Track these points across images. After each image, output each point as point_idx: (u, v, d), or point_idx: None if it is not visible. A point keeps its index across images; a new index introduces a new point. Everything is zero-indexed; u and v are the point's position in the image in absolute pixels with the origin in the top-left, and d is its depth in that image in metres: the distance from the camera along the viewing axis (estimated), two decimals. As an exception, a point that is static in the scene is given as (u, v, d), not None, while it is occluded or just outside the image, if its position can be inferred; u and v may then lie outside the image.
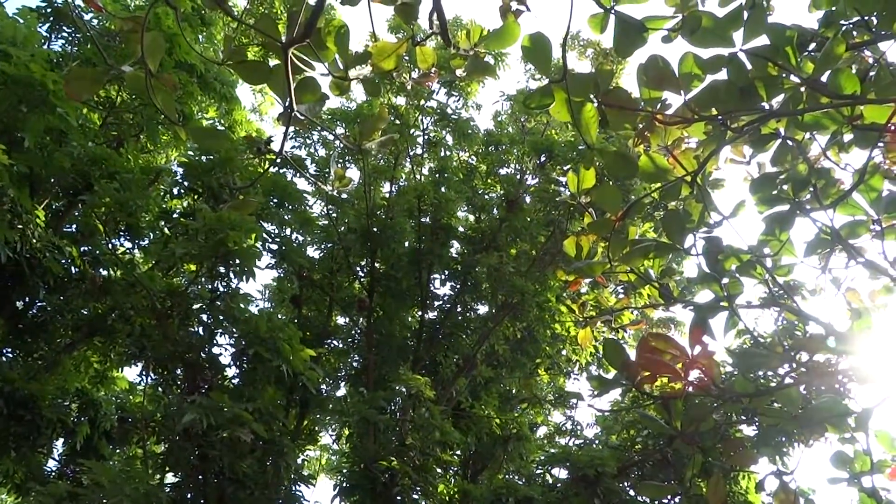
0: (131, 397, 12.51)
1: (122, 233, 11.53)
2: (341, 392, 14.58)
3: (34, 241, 9.41)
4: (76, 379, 11.63)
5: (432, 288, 14.97)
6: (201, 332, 10.30)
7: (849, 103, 2.40)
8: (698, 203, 3.09)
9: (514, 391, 14.72)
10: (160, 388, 11.04)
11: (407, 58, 2.88)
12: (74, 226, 11.74)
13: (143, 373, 10.63)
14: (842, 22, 3.44)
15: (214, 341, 10.36)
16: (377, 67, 2.49)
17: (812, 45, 3.38)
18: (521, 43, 2.22)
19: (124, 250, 11.80)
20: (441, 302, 15.19)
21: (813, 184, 2.90)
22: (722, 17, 2.38)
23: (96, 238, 11.40)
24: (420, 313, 14.78)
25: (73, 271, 10.90)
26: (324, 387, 13.61)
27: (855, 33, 3.55)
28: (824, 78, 2.52)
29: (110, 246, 11.44)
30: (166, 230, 11.00)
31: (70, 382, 11.24)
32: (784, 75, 2.51)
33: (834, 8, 3.30)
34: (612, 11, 2.05)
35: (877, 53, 3.58)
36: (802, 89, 2.48)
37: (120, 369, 12.54)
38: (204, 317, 10.27)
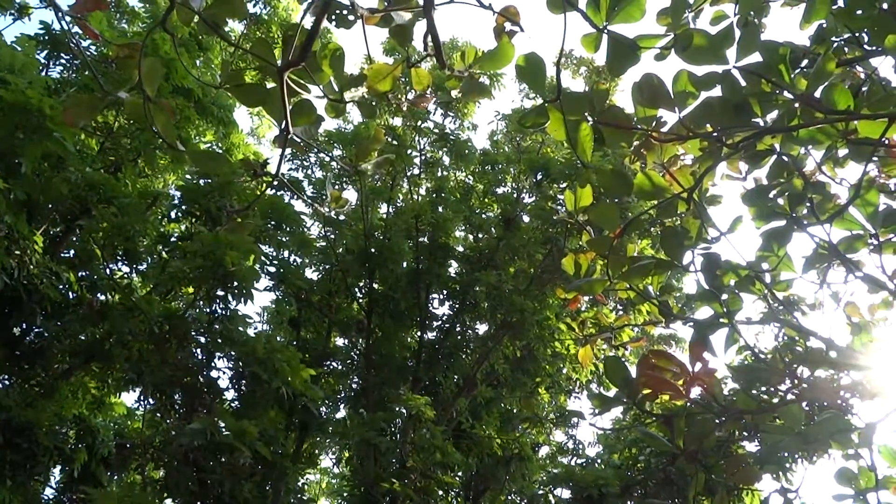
0: (129, 423, 12.41)
1: (120, 257, 11.51)
2: (341, 414, 14.49)
3: (32, 266, 9.38)
4: (73, 405, 11.53)
5: (431, 308, 14.94)
6: (199, 355, 10.26)
7: (842, 119, 2.42)
8: (696, 219, 3.09)
9: (515, 410, 14.63)
10: (158, 413, 10.96)
11: (403, 79, 2.89)
12: (72, 251, 11.72)
13: (142, 398, 10.56)
14: (833, 38, 3.47)
15: (213, 364, 10.31)
16: (373, 89, 2.50)
17: (805, 62, 3.41)
18: (516, 63, 2.23)
19: (122, 275, 11.78)
20: (440, 322, 15.15)
21: (809, 199, 2.90)
22: (714, 34, 2.40)
23: (94, 263, 11.38)
24: (419, 333, 14.73)
25: (71, 297, 10.86)
26: (323, 409, 13.51)
27: (846, 49, 3.59)
28: (818, 93, 2.54)
29: (108, 271, 11.42)
30: (164, 254, 10.99)
31: (67, 409, 11.14)
32: (778, 91, 2.53)
33: (825, 24, 3.34)
34: (605, 31, 2.07)
35: (868, 69, 3.61)
36: (796, 105, 2.50)
37: (118, 395, 12.45)
38: (202, 340, 10.23)
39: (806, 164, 3.79)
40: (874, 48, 3.26)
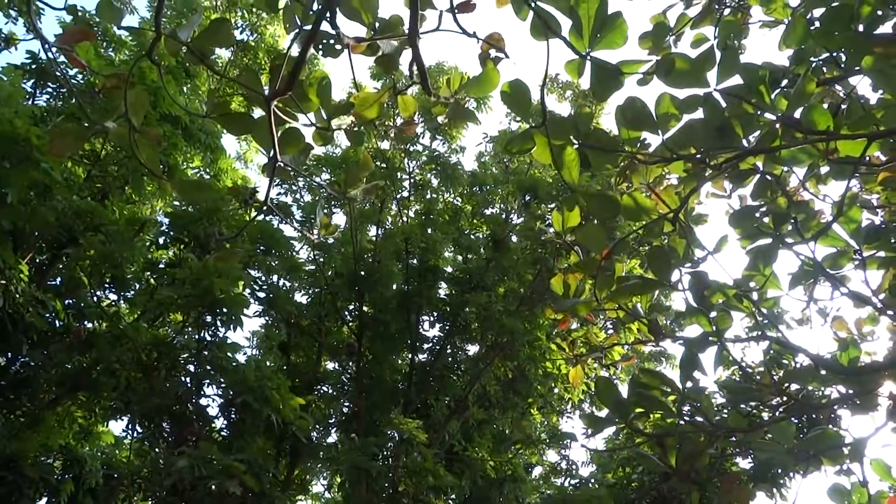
0: (117, 452, 12.23)
1: (107, 285, 11.42)
2: (332, 439, 14.36)
3: (17, 296, 9.29)
4: (60, 435, 11.35)
5: (421, 330, 14.90)
6: (188, 383, 10.16)
7: (823, 139, 2.46)
8: (682, 239, 3.12)
9: (507, 431, 14.54)
10: (147, 443, 10.81)
11: (390, 102, 2.92)
12: (59, 279, 11.62)
13: (129, 427, 10.43)
14: (812, 58, 3.54)
15: (202, 392, 10.21)
16: (360, 117, 2.52)
17: (785, 82, 3.47)
18: (501, 90, 2.26)
19: (109, 302, 11.67)
20: (430, 344, 15.10)
21: (793, 217, 2.94)
22: (695, 58, 2.45)
23: (81, 291, 11.28)
24: (410, 356, 14.67)
25: (58, 325, 10.74)
26: (314, 434, 13.38)
27: (825, 69, 3.66)
28: (798, 114, 2.59)
29: (95, 298, 11.31)
30: (152, 281, 10.92)
31: (53, 439, 10.97)
32: (759, 112, 2.57)
33: (804, 45, 3.41)
34: (588, 57, 2.10)
35: (847, 88, 3.68)
36: (777, 126, 2.54)
37: (105, 424, 12.28)
38: (191, 367, 10.14)
39: (789, 181, 3.84)
40: (853, 68, 3.33)
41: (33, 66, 11.43)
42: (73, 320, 10.98)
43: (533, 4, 2.13)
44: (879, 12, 2.81)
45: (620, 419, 2.65)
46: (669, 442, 2.89)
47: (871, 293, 3.41)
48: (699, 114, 2.48)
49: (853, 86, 3.59)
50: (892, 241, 3.41)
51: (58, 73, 10.38)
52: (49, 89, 11.83)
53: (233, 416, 9.91)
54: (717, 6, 4.20)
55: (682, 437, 2.99)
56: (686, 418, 3.05)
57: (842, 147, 2.75)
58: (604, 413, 2.94)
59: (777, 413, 3.33)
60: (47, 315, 10.26)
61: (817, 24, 3.04)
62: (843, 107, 3.41)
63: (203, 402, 10.24)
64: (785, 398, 3.25)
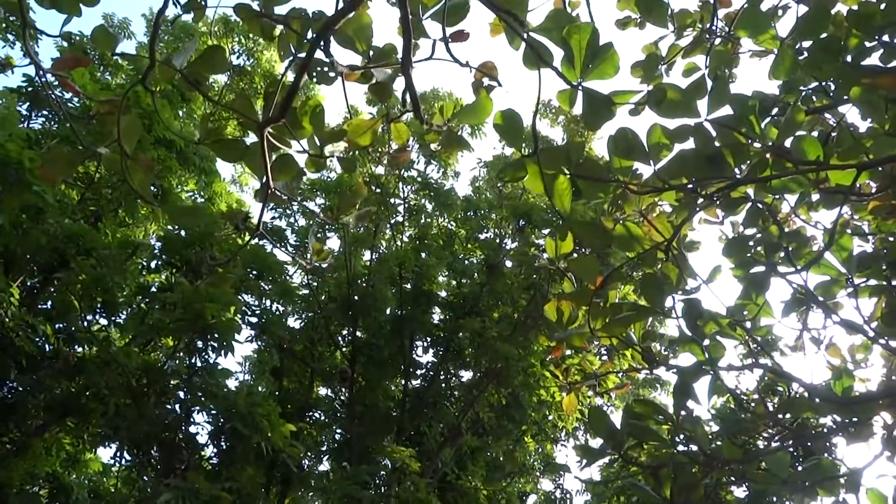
0: (105, 480, 12.03)
1: (98, 309, 11.32)
2: (324, 467, 14.16)
3: (7, 320, 9.20)
4: (47, 463, 11.17)
5: (415, 355, 14.81)
6: (178, 409, 10.03)
7: (813, 169, 2.48)
8: (675, 266, 3.12)
9: (501, 459, 14.39)
10: (135, 470, 10.64)
11: (384, 128, 2.93)
12: (50, 303, 11.52)
13: (118, 454, 10.27)
14: (801, 87, 3.58)
15: (191, 419, 10.08)
16: (353, 144, 2.52)
17: (775, 110, 3.51)
18: (493, 120, 2.27)
19: (100, 327, 11.57)
20: (424, 370, 15.00)
21: (785, 247, 2.95)
22: (686, 87, 2.47)
23: (71, 315, 11.18)
24: (403, 382, 14.55)
25: (47, 349, 10.62)
26: (305, 462, 13.21)
27: (815, 97, 3.70)
28: (788, 143, 2.61)
29: (86, 323, 11.21)
30: (143, 305, 10.84)
31: (40, 467, 10.79)
32: (750, 142, 2.59)
33: (793, 76, 3.45)
34: (580, 87, 2.12)
35: (836, 116, 3.72)
36: (768, 155, 2.56)
37: (93, 451, 12.11)
38: (181, 394, 10.02)
39: (781, 208, 3.86)
40: (841, 97, 3.36)
41: (29, 89, 11.46)
42: (64, 345, 10.86)
43: (525, 35, 2.15)
44: (867, 44, 2.85)
45: (614, 450, 2.62)
46: (664, 473, 2.86)
47: (864, 321, 3.41)
48: (690, 143, 2.49)
49: (842, 114, 3.63)
50: (884, 269, 3.42)
51: (52, 98, 10.39)
52: (44, 112, 11.85)
53: (223, 443, 9.77)
54: (707, 36, 4.25)
55: (677, 467, 2.96)
56: (681, 447, 3.02)
57: (832, 176, 2.77)
58: (598, 443, 2.91)
59: (772, 442, 3.31)
60: (37, 339, 10.14)
61: (806, 54, 3.08)
62: (833, 135, 3.44)
63: (193, 429, 10.11)
64: (779, 427, 3.23)
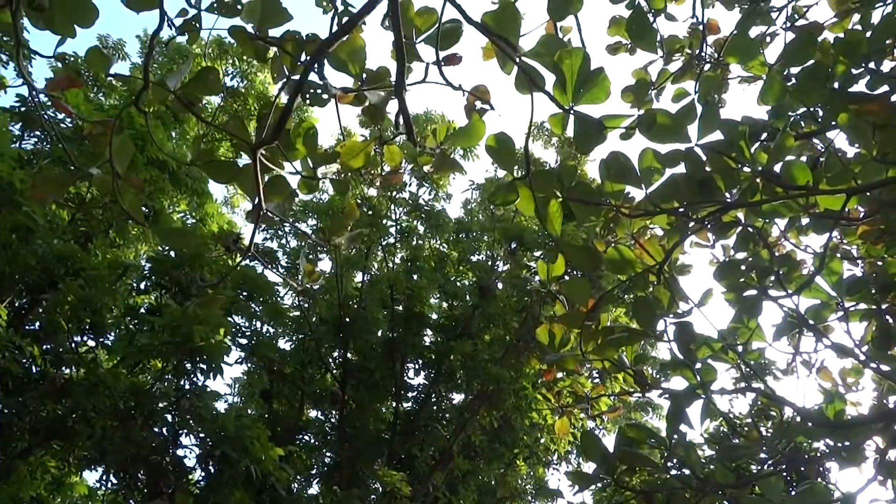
0: (90, 504, 11.83)
1: (86, 330, 11.21)
2: (313, 490, 13.97)
3: (-7, 341, 9.10)
4: (32, 486, 10.97)
5: (406, 378, 14.72)
6: (166, 432, 9.90)
7: (803, 194, 2.50)
8: (667, 290, 3.12)
9: (493, 482, 14.26)
10: (121, 494, 10.46)
11: (377, 150, 2.94)
12: (38, 324, 11.40)
13: (104, 477, 10.11)
14: (790, 112, 3.63)
15: (179, 442, 9.95)
16: (346, 166, 2.53)
17: (764, 135, 3.54)
18: (486, 143, 2.29)
19: (88, 348, 11.45)
20: (415, 392, 14.90)
21: (776, 270, 2.96)
22: (676, 112, 2.50)
23: (59, 336, 11.06)
24: (394, 404, 14.44)
25: (34, 371, 10.49)
26: (295, 486, 13.03)
27: (803, 123, 3.74)
28: (778, 168, 2.63)
29: (73, 344, 11.09)
30: (132, 327, 10.74)
31: (25, 490, 10.58)
32: (740, 166, 2.61)
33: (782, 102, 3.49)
34: (572, 112, 2.13)
35: (825, 142, 3.76)
36: (758, 180, 2.58)
37: (79, 474, 11.91)
38: (169, 416, 9.90)
39: (771, 232, 3.88)
40: (829, 122, 3.40)
41: (22, 110, 11.45)
42: (51, 366, 10.73)
43: (518, 59, 2.17)
44: (853, 71, 2.90)
45: (606, 475, 2.60)
46: (657, 498, 2.84)
47: (855, 345, 3.41)
48: (681, 168, 2.51)
49: (831, 140, 3.67)
50: (873, 293, 3.44)
51: (45, 118, 10.38)
52: (37, 133, 11.83)
53: (211, 466, 9.64)
54: (697, 62, 4.31)
55: (670, 492, 2.93)
56: (674, 471, 3.00)
57: (822, 201, 2.79)
58: (590, 467, 2.89)
59: (765, 467, 3.29)
60: (24, 361, 10.03)
61: (794, 80, 3.12)
62: (822, 160, 3.48)
63: (180, 452, 9.98)
64: (773, 452, 3.21)
